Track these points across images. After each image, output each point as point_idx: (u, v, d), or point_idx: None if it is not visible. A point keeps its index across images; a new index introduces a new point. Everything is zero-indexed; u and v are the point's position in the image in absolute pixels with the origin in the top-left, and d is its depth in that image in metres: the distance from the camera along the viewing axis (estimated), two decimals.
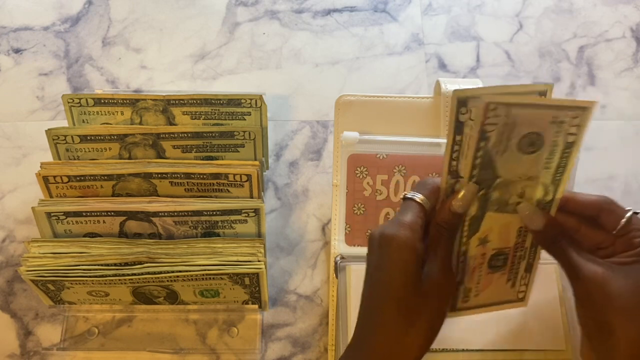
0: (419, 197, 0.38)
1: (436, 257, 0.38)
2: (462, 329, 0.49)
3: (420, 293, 0.37)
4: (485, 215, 0.37)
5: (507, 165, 0.34)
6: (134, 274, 0.48)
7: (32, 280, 0.49)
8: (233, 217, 0.52)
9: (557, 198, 0.37)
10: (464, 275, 0.40)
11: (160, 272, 0.48)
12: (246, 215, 0.51)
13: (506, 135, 0.33)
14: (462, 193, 0.36)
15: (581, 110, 0.33)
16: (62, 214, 0.51)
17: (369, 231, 0.51)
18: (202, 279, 0.49)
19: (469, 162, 0.34)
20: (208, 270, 0.48)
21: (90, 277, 0.48)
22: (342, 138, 0.49)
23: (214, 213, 0.51)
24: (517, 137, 0.33)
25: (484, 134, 0.32)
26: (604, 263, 0.37)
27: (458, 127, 0.34)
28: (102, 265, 0.49)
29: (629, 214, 0.37)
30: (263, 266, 0.49)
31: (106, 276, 0.48)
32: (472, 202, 0.36)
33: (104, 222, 0.52)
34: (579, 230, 0.39)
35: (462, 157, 0.35)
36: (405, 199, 0.39)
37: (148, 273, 0.48)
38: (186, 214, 0.51)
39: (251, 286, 0.50)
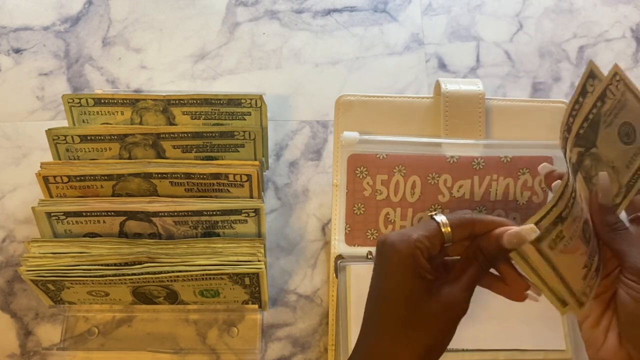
0: (442, 219, 0.37)
1: (460, 279, 0.37)
2: (463, 329, 0.49)
3: (424, 309, 0.36)
4: (577, 177, 0.37)
5: (605, 142, 0.36)
6: (134, 274, 0.48)
7: (32, 280, 0.49)
8: (233, 217, 0.52)
9: (624, 203, 0.37)
10: (569, 217, 0.36)
11: (160, 272, 0.48)
12: (246, 215, 0.51)
13: (615, 112, 0.35)
14: (522, 228, 0.34)
15: None
16: (62, 214, 0.51)
17: (369, 231, 0.51)
18: (202, 279, 0.49)
19: (582, 115, 0.36)
20: (208, 270, 0.48)
21: (90, 277, 0.48)
22: (342, 138, 0.49)
23: (214, 213, 0.51)
24: (621, 120, 0.35)
25: (603, 97, 0.35)
26: None
27: (583, 92, 0.36)
28: (102, 265, 0.49)
29: None
30: (263, 266, 0.49)
31: (106, 276, 0.48)
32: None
33: (104, 222, 0.52)
34: None
35: (579, 115, 0.36)
36: (430, 217, 0.38)
37: (148, 273, 0.48)
38: (186, 214, 0.51)
39: (251, 286, 0.50)
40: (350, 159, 0.50)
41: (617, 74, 0.34)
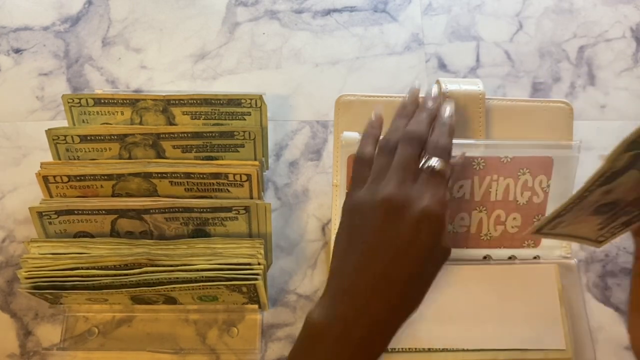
0: (441, 164, 0.40)
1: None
2: (462, 329, 0.49)
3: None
4: (628, 172, 0.38)
5: None
6: (131, 282, 0.48)
7: (30, 293, 0.49)
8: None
9: None
10: (569, 213, 0.40)
11: (156, 284, 0.48)
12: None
13: None
14: None
15: None
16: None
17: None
18: (200, 288, 0.49)
19: None
20: (204, 282, 0.48)
21: (87, 288, 0.48)
22: (341, 138, 0.49)
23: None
24: None
25: None
26: None
27: None
28: (101, 267, 0.49)
29: None
30: (260, 275, 0.48)
31: (103, 287, 0.48)
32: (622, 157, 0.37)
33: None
34: None
35: None
36: (425, 168, 0.41)
37: (145, 283, 0.48)
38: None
39: (249, 293, 0.50)
40: (350, 159, 0.50)
41: None
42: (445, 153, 0.41)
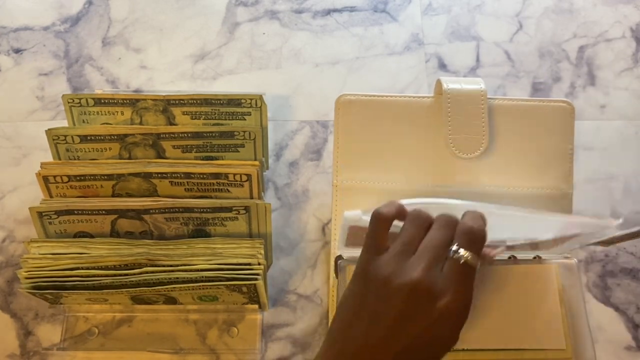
0: (470, 257, 0.38)
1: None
2: (463, 329, 0.49)
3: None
4: None
5: None
6: (131, 282, 0.48)
7: (30, 293, 0.49)
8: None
9: None
10: None
11: (156, 284, 0.48)
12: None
13: None
14: None
15: None
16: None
17: None
18: (200, 288, 0.49)
19: None
20: (204, 282, 0.48)
21: (87, 288, 0.48)
22: (344, 217, 0.47)
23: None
24: None
25: None
26: None
27: None
28: (101, 267, 0.49)
29: None
30: (261, 273, 0.48)
31: (103, 287, 0.48)
32: None
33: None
34: None
35: None
36: (455, 257, 0.38)
37: (145, 283, 0.48)
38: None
39: (249, 293, 0.50)
40: (352, 229, 0.48)
41: None
42: (477, 244, 0.39)
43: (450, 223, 0.40)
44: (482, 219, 0.40)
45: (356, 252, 0.53)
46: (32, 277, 0.48)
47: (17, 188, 0.62)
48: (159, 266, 0.49)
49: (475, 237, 0.38)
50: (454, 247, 0.38)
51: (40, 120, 0.65)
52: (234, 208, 0.51)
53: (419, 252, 0.38)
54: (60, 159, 0.56)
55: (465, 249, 0.38)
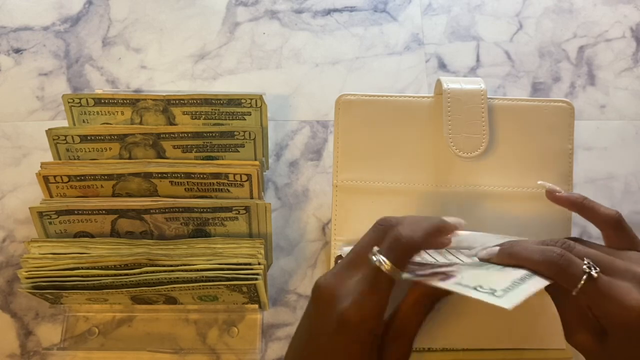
0: (387, 264, 0.34)
1: (407, 333, 0.37)
2: (462, 329, 0.49)
3: None
4: None
5: None
6: (131, 282, 0.48)
7: (30, 293, 0.49)
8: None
9: None
10: None
11: (156, 284, 0.48)
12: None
13: None
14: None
15: None
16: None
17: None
18: (200, 288, 0.49)
19: None
20: (204, 282, 0.48)
21: (87, 288, 0.48)
22: (340, 251, 0.47)
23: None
24: None
25: None
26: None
27: None
28: (101, 267, 0.49)
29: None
30: (261, 273, 0.48)
31: (103, 287, 0.48)
32: None
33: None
34: None
35: None
36: (374, 264, 0.34)
37: (145, 283, 0.48)
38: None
39: (249, 292, 0.50)
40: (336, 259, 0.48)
41: None
42: (398, 252, 0.34)
43: (385, 226, 0.37)
44: (425, 229, 0.35)
45: None
46: (32, 277, 0.48)
47: (17, 188, 0.62)
48: (159, 266, 0.49)
49: (398, 245, 0.34)
50: (374, 251, 0.35)
51: (40, 120, 0.65)
52: (234, 208, 0.51)
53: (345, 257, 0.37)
54: (60, 159, 0.56)
55: (384, 256, 0.34)
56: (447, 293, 0.34)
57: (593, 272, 0.34)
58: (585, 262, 0.34)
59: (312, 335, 0.36)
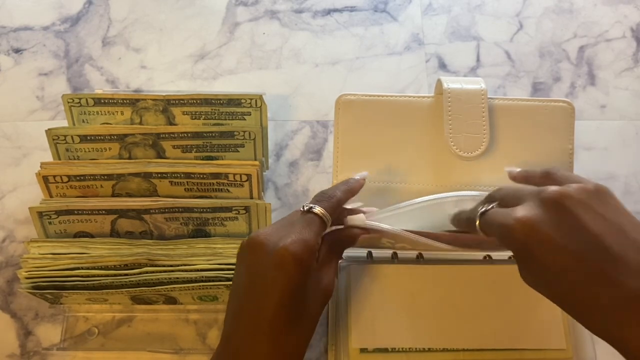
0: (319, 210, 0.40)
1: (331, 263, 0.41)
2: (462, 329, 0.49)
3: (311, 300, 0.38)
4: None
5: None
6: (131, 282, 0.48)
7: (30, 293, 0.49)
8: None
9: None
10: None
11: (156, 284, 0.48)
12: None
13: None
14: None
15: None
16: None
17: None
18: (200, 288, 0.49)
19: None
20: (204, 282, 0.48)
21: (87, 288, 0.48)
22: (347, 221, 0.47)
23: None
24: None
25: None
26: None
27: None
28: (101, 267, 0.49)
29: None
30: None
31: (103, 287, 0.48)
32: None
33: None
34: None
35: None
36: (305, 212, 0.40)
37: (145, 283, 0.48)
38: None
39: None
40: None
41: None
42: (324, 201, 0.42)
43: (325, 193, 0.43)
44: (343, 188, 0.44)
45: (356, 252, 0.53)
46: (32, 277, 0.48)
47: (17, 188, 0.62)
48: (159, 266, 0.49)
49: (322, 197, 0.42)
50: (303, 205, 0.41)
51: (40, 120, 0.65)
52: (234, 208, 0.51)
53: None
54: (60, 159, 0.56)
55: (313, 204, 0.41)
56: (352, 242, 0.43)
57: (483, 209, 0.37)
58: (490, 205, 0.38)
59: (251, 275, 0.38)
